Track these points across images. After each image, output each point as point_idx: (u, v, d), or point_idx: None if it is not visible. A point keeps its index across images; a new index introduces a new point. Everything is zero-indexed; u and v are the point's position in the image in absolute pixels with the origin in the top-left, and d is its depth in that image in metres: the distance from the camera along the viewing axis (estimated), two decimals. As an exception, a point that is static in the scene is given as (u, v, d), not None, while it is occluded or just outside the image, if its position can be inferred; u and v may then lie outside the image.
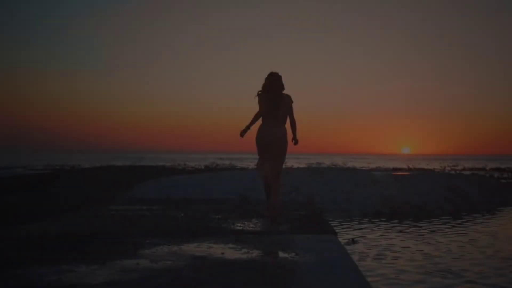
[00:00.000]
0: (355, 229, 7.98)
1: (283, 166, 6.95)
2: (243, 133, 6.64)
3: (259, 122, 6.69)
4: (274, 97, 6.46)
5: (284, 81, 6.60)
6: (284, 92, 6.60)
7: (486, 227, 8.43)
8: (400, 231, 7.85)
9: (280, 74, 6.58)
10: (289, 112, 6.62)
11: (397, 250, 6.35)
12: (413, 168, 50.03)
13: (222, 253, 4.39)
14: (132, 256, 4.22)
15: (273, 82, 6.50)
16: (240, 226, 6.05)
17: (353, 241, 6.62)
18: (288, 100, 6.57)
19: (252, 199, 9.62)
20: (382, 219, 9.11)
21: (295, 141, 6.75)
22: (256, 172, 7.10)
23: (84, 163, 54.26)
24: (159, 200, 9.32)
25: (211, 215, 7.09)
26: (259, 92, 6.58)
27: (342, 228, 8.00)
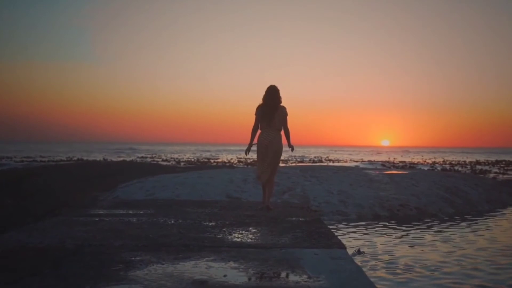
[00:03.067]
0: (356, 235, 7.53)
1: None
2: (247, 151, 7.66)
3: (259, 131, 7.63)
4: (270, 108, 7.42)
5: (281, 93, 7.53)
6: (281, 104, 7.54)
7: (491, 233, 8.04)
8: (404, 238, 7.42)
9: (278, 88, 7.54)
10: (284, 122, 7.54)
11: (407, 261, 5.91)
12: (394, 160, 50.26)
13: (225, 275, 3.88)
14: (122, 280, 3.69)
15: (272, 95, 7.46)
16: (238, 237, 5.54)
17: (358, 252, 6.16)
18: (283, 111, 7.52)
19: (243, 201, 9.12)
20: (382, 222, 8.67)
21: (292, 148, 7.81)
22: (257, 181, 8.16)
23: (62, 155, 53.29)
24: (145, 202, 8.75)
25: (204, 222, 6.57)
26: (259, 106, 7.51)
27: (342, 234, 7.53)
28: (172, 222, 6.57)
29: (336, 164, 39.40)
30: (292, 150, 7.81)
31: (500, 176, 26.82)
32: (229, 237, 5.53)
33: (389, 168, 35.31)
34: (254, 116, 7.60)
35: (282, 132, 7.59)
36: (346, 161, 44.62)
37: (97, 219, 6.76)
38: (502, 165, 42.09)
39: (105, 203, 8.66)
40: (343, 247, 5.10)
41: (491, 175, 27.83)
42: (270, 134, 7.45)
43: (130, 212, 7.49)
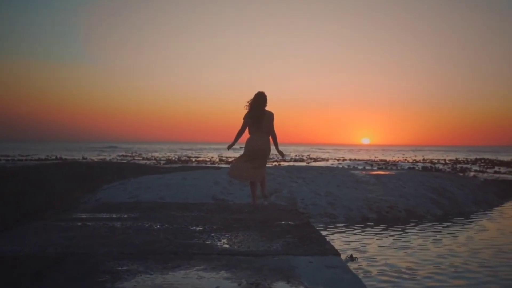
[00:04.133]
0: (346, 239, 7.39)
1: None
2: (230, 147, 8.01)
3: (247, 135, 7.97)
4: (259, 113, 7.75)
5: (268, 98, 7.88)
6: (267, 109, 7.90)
7: (481, 235, 7.95)
8: (395, 241, 7.29)
9: (265, 94, 7.86)
10: (271, 127, 7.88)
11: (401, 266, 5.78)
12: (375, 159, 50.57)
13: (217, 287, 3.69)
14: (109, 294, 3.48)
15: (260, 101, 7.79)
16: (227, 243, 5.34)
17: (351, 258, 5.99)
18: (270, 116, 7.87)
19: (230, 203, 8.93)
20: (371, 225, 8.54)
21: (282, 155, 7.93)
22: (229, 175, 8.14)
23: (42, 153, 52.44)
24: (129, 205, 8.50)
25: (191, 227, 6.35)
26: (246, 109, 7.83)
27: (332, 238, 7.37)
28: (158, 227, 6.34)
29: (319, 163, 39.39)
30: (283, 156, 8.03)
31: (480, 174, 27.09)
32: (218, 243, 5.34)
33: (371, 166, 35.45)
34: (242, 121, 7.93)
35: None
36: (327, 160, 44.63)
37: (79, 223, 6.51)
38: (481, 163, 42.53)
39: (87, 206, 8.39)
40: (337, 254, 4.94)
41: (472, 173, 28.09)
42: (260, 138, 7.82)
43: (114, 216, 7.24)
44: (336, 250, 5.10)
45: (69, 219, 6.88)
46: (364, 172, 12.67)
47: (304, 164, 36.60)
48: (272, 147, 8.11)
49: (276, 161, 40.70)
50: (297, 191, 9.95)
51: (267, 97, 7.94)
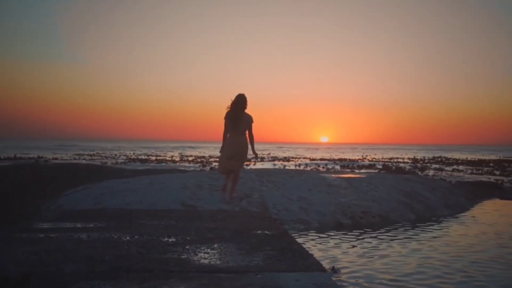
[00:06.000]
0: (322, 247, 7.14)
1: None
2: (222, 148, 8.77)
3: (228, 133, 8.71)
4: (235, 115, 8.45)
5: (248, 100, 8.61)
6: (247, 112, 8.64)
7: (458, 241, 7.83)
8: (374, 249, 7.06)
9: (245, 96, 8.55)
10: (249, 128, 8.63)
11: (385, 276, 5.59)
12: (336, 157, 50.97)
13: (202, 313, 3.38)
14: (82, 324, 3.13)
15: (239, 102, 8.45)
16: (205, 258, 5.02)
17: (333, 270, 5.75)
18: (249, 118, 8.58)
19: (200, 210, 8.59)
20: (345, 231, 8.33)
21: (256, 155, 8.89)
22: (218, 172, 9.56)
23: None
24: (94, 212, 8.05)
25: (163, 238, 6.00)
26: (227, 112, 8.52)
27: (308, 247, 7.10)
28: (128, 238, 5.96)
29: (282, 162, 39.37)
30: (257, 157, 8.91)
31: (439, 172, 27.70)
32: (195, 258, 5.02)
33: (335, 164, 35.71)
34: (224, 121, 8.58)
35: (247, 135, 8.68)
36: (289, 160, 44.50)
37: (42, 235, 6.06)
38: (439, 162, 43.44)
39: (49, 214, 7.90)
40: (323, 269, 4.70)
41: (431, 171, 28.71)
42: (238, 139, 8.52)
43: (79, 225, 6.80)
44: (321, 265, 4.86)
45: (30, 230, 6.41)
46: (334, 175, 12.50)
47: (267, 163, 36.53)
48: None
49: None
50: (268, 196, 9.67)
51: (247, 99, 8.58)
